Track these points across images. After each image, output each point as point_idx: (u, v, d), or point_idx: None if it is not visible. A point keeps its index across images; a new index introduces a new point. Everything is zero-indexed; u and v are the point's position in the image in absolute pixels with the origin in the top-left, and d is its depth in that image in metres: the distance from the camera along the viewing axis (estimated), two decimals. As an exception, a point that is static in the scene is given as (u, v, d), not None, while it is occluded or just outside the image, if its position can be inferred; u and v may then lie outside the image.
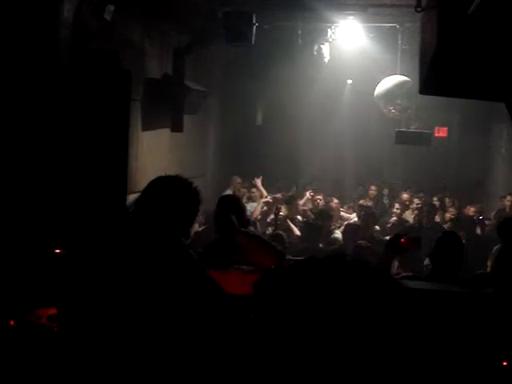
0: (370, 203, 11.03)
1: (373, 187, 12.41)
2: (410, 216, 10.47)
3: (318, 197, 11.14)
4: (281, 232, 7.91)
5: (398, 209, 10.69)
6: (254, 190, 11.21)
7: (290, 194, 11.47)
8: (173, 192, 3.20)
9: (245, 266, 5.81)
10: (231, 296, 3.26)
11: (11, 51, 5.97)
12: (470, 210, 10.67)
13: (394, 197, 12.26)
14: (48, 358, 3.85)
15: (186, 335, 3.00)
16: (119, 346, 2.98)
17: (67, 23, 6.78)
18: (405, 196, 11.39)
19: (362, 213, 9.22)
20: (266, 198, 10.54)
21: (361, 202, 10.65)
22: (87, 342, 3.04)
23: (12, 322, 4.32)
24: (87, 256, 3.15)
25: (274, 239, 6.86)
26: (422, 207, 10.45)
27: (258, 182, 11.13)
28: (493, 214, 10.59)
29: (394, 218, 9.88)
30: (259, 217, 10.01)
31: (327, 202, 10.95)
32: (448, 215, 10.29)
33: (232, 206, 4.87)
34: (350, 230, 8.25)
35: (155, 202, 3.18)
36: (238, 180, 11.79)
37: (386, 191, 13.02)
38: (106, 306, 3.01)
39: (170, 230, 3.13)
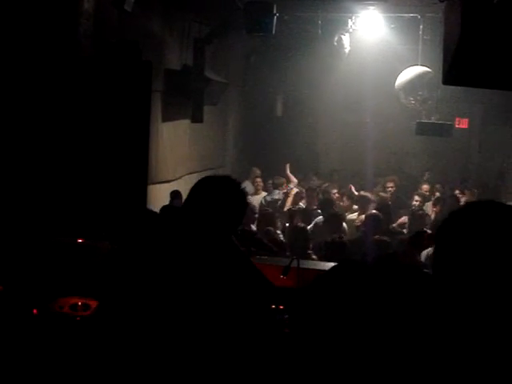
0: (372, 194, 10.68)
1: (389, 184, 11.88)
2: (430, 208, 10.36)
3: (334, 191, 11.14)
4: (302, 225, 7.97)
5: (417, 201, 10.55)
6: (271, 181, 11.32)
7: (310, 185, 11.44)
8: (224, 193, 3.22)
9: (265, 257, 5.82)
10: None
11: (33, 43, 6.00)
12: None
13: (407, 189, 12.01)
14: (70, 346, 3.88)
15: (237, 334, 3.02)
16: (164, 339, 3.00)
17: (88, 14, 6.79)
18: (425, 187, 11.28)
19: (377, 204, 9.16)
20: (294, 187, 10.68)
21: (361, 192, 10.40)
22: (129, 336, 3.06)
23: (35, 311, 4.35)
24: (135, 252, 3.19)
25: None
26: (444, 199, 10.37)
27: (287, 168, 11.26)
28: None
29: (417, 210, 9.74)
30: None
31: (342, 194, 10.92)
32: None
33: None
34: (370, 220, 8.15)
35: (205, 202, 3.21)
36: (257, 172, 11.74)
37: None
38: (152, 302, 3.03)
39: (220, 229, 3.17)
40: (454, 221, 1.74)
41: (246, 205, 3.32)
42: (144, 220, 3.45)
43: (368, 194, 10.08)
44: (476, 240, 1.68)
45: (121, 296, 3.13)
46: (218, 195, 3.19)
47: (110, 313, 3.17)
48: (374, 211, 8.46)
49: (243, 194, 3.27)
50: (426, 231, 4.60)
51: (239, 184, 3.28)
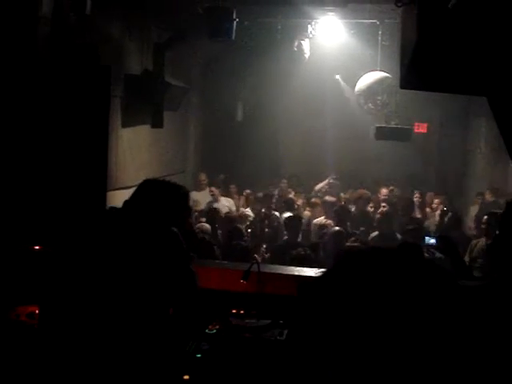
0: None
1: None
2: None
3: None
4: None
5: (372, 207, 10.50)
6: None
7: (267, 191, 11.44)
8: (161, 194, 3.51)
9: (226, 262, 5.80)
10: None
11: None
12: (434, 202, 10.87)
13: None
14: (28, 354, 3.83)
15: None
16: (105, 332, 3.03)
17: (46, 18, 6.70)
18: (384, 191, 11.35)
19: (336, 208, 9.20)
20: None
21: (326, 197, 10.45)
22: (72, 339, 3.06)
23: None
24: (76, 253, 3.25)
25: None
26: (395, 202, 10.47)
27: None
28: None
29: (378, 216, 9.79)
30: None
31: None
32: (434, 211, 10.36)
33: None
34: (331, 239, 8.08)
35: (145, 202, 3.47)
36: (202, 177, 11.66)
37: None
38: (91, 299, 3.10)
39: (159, 225, 3.43)
40: None
41: (179, 203, 3.58)
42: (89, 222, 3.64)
43: (333, 199, 10.17)
44: None
45: (63, 297, 3.21)
46: (153, 195, 3.47)
47: (54, 314, 3.24)
48: (333, 229, 8.41)
49: (177, 194, 3.54)
50: None
51: (173, 185, 3.58)
